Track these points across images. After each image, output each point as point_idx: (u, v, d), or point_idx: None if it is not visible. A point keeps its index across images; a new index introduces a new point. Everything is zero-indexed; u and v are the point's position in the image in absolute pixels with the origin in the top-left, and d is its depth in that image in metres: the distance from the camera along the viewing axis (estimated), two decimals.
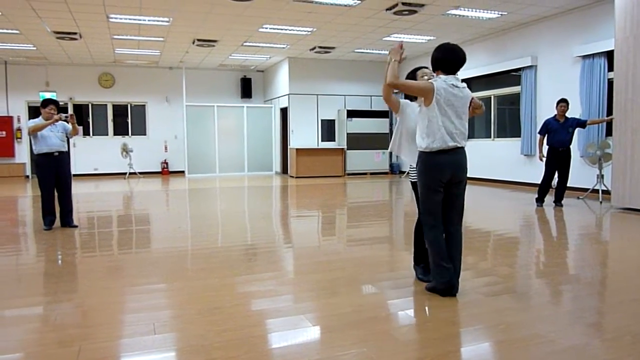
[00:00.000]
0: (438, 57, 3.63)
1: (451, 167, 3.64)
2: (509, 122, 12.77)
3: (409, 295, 3.76)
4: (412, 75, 3.94)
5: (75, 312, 3.51)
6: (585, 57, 9.89)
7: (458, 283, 3.71)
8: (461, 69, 3.66)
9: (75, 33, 11.56)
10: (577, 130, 8.76)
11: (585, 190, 9.63)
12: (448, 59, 3.60)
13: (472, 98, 3.74)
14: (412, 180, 4.05)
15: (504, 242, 5.85)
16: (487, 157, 12.61)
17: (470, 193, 10.75)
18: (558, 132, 8.32)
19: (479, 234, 6.39)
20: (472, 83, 13.27)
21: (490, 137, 12.78)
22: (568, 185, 8.56)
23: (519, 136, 11.58)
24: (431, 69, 3.75)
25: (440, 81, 3.56)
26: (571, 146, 8.44)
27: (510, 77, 12.07)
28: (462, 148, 3.70)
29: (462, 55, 3.60)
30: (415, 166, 3.84)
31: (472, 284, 4.03)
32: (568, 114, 8.47)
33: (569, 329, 3.10)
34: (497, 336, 2.98)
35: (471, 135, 13.51)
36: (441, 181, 3.64)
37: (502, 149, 12.29)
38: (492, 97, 12.68)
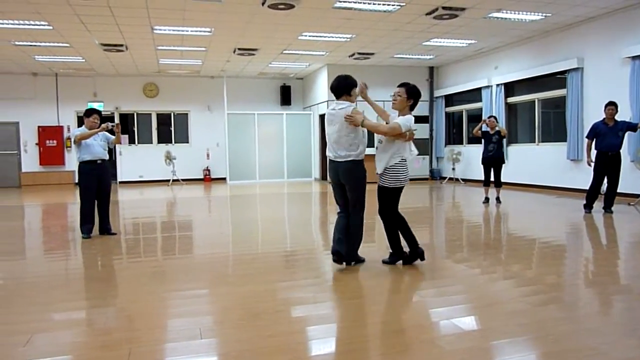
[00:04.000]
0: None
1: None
2: (554, 126, 12.41)
3: (453, 303, 3.70)
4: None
5: (123, 316, 3.60)
6: (635, 57, 9.53)
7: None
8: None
9: (121, 45, 11.95)
10: (627, 134, 8.44)
11: (637, 196, 9.25)
12: None
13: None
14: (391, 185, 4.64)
15: (551, 250, 5.68)
16: (532, 162, 12.30)
17: (515, 199, 10.50)
18: (607, 136, 8.04)
19: (524, 242, 6.22)
20: (515, 87, 13.00)
21: (534, 141, 12.46)
22: (618, 191, 8.24)
23: (565, 140, 11.25)
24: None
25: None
26: (621, 150, 8.14)
27: (554, 80, 11.75)
28: (336, 159, 4.61)
29: (334, 84, 4.62)
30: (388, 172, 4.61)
31: (518, 293, 3.93)
32: (617, 118, 8.18)
33: (622, 341, 2.98)
34: (547, 347, 2.89)
35: (515, 140, 13.22)
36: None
37: (547, 153, 11.96)
38: (536, 100, 12.37)
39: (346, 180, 4.62)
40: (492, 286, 4.19)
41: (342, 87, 4.61)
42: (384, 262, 4.85)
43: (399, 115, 4.64)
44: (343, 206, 4.78)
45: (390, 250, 4.87)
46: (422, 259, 4.75)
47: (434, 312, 3.55)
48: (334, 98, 4.69)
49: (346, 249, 4.64)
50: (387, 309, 3.67)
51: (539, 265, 4.99)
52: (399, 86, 4.67)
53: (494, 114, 11.85)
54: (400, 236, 4.80)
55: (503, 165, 9.66)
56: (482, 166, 9.77)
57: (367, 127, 4.52)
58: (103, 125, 6.55)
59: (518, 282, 4.27)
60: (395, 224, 4.76)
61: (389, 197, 4.69)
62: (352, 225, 4.67)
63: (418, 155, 5.51)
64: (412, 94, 4.62)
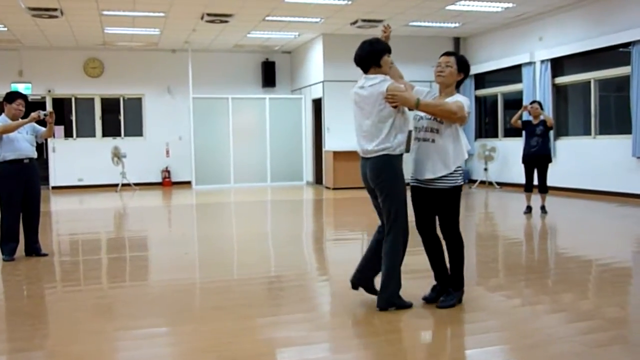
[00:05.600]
0: None
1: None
2: (615, 114, 12.44)
3: (486, 343, 3.71)
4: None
5: None
6: None
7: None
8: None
9: (55, 9, 11.90)
10: None
11: None
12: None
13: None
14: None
15: (612, 275, 5.68)
16: (587, 160, 12.32)
17: (565, 208, 10.52)
18: None
19: (578, 264, 6.23)
20: (565, 63, 13.04)
21: (590, 134, 12.50)
22: None
23: (630, 132, 11.29)
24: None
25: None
26: None
27: (616, 54, 11.79)
28: (365, 154, 4.39)
29: (357, 53, 4.38)
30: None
31: (570, 330, 3.94)
32: None
33: None
34: None
35: (564, 132, 13.26)
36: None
37: (606, 149, 11.99)
38: (592, 81, 12.41)
39: (375, 182, 4.34)
40: (536, 321, 4.19)
41: (367, 55, 4.36)
42: (425, 299, 4.56)
43: (440, 93, 4.47)
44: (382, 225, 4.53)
45: (435, 282, 4.60)
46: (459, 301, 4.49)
47: (462, 355, 3.54)
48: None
49: (381, 286, 4.36)
50: (402, 351, 3.65)
51: (597, 295, 4.99)
52: (444, 55, 4.48)
53: (537, 99, 11.88)
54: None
55: (550, 164, 9.67)
56: (522, 166, 9.79)
57: (426, 109, 4.26)
58: (33, 114, 6.50)
59: (570, 316, 4.27)
60: (457, 245, 4.48)
61: (451, 203, 4.42)
62: (386, 250, 4.35)
63: None
64: (463, 65, 4.44)
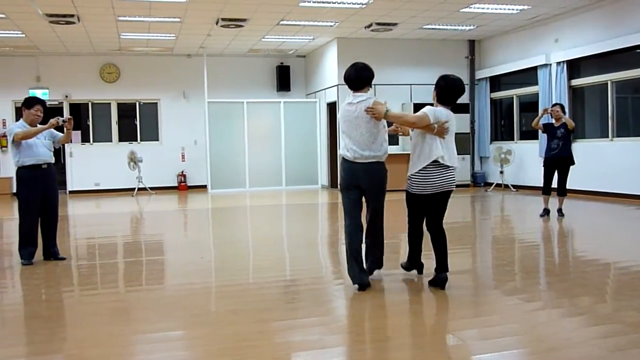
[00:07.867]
0: None
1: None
2: (633, 116, 12.32)
3: (503, 348, 3.68)
4: None
5: None
6: None
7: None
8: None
9: (72, 15, 12.01)
10: None
11: None
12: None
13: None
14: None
15: (631, 278, 5.63)
16: (605, 163, 12.22)
17: (582, 211, 10.44)
18: None
19: (596, 267, 6.18)
20: (581, 65, 12.96)
21: (607, 136, 12.40)
22: None
23: None
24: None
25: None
26: None
27: (633, 55, 11.70)
28: (356, 160, 5.09)
29: (358, 75, 5.11)
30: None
31: (588, 334, 3.91)
32: None
33: None
34: None
35: (581, 135, 13.17)
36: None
37: (624, 152, 11.90)
38: (609, 83, 12.32)
39: (368, 184, 5.12)
40: (554, 325, 4.16)
41: (364, 79, 5.13)
42: (402, 265, 5.58)
43: None
44: (356, 216, 5.23)
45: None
46: (420, 272, 5.47)
47: (478, 359, 3.52)
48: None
49: (377, 258, 5.38)
50: (418, 356, 3.64)
51: (616, 298, 4.95)
52: None
53: (559, 102, 11.79)
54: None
55: (571, 167, 9.55)
56: (542, 168, 9.68)
57: (392, 118, 5.06)
58: (52, 121, 6.52)
59: (588, 319, 4.24)
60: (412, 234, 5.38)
61: (407, 203, 5.25)
62: (378, 240, 5.34)
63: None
64: (436, 83, 5.08)
